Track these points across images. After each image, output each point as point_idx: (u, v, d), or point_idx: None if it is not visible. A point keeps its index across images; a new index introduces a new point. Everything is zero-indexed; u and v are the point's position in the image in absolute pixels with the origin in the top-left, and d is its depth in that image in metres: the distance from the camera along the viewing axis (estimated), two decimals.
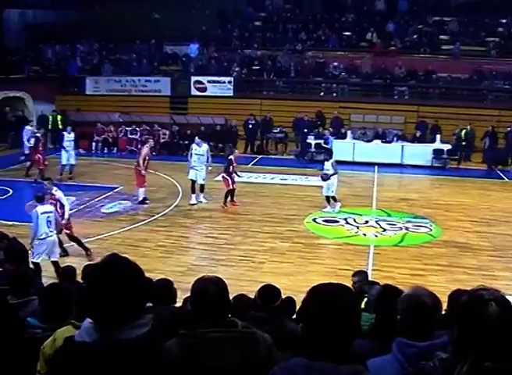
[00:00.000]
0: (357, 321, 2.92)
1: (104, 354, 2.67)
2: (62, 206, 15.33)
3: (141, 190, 20.66)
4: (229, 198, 20.35)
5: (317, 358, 2.79)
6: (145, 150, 20.95)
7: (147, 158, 20.75)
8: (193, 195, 20.74)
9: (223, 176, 20.49)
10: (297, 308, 7.16)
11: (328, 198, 19.80)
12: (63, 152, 24.61)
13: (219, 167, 21.55)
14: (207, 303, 3.44)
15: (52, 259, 13.56)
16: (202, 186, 20.87)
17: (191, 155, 20.98)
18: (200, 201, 20.85)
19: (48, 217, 13.67)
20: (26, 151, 26.02)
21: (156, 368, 2.78)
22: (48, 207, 14.03)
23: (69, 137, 24.97)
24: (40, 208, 13.74)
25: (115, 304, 2.69)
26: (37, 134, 24.84)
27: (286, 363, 2.92)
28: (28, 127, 27.39)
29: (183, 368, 3.16)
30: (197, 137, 22.01)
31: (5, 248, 8.48)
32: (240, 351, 3.32)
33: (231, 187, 20.27)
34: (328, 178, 19.54)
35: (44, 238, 13.43)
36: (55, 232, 13.80)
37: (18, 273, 7.13)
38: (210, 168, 21.22)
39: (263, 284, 6.64)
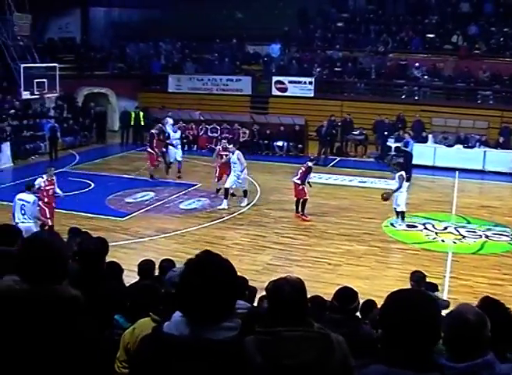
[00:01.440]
0: (437, 328, 2.86)
1: (190, 350, 2.69)
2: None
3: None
4: (299, 206, 19.47)
5: (396, 365, 2.76)
6: (217, 147, 22.86)
7: (219, 154, 21.88)
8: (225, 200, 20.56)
9: (297, 184, 19.41)
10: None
11: (396, 211, 18.91)
12: (171, 150, 24.86)
13: (296, 167, 21.47)
14: (281, 303, 3.47)
15: None
16: (226, 190, 20.57)
17: None
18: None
19: (23, 205, 14.29)
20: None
21: (239, 373, 2.77)
22: (28, 197, 14.55)
23: (174, 135, 25.19)
24: (19, 195, 14.50)
25: (208, 301, 2.69)
26: (152, 131, 24.93)
27: (365, 370, 2.92)
28: (169, 120, 27.88)
29: (257, 365, 3.15)
30: (232, 145, 21.98)
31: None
32: (315, 352, 3.32)
33: (307, 197, 19.32)
34: (389, 197, 18.67)
35: (17, 223, 13.72)
36: (30, 220, 14.21)
37: (108, 263, 7.40)
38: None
39: (340, 286, 6.68)
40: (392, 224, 18.85)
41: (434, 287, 9.50)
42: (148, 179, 23.93)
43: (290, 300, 3.47)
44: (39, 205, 15.34)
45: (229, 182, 20.52)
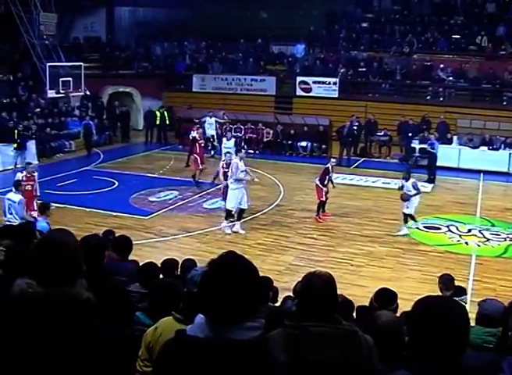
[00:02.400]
0: (466, 338, 2.79)
1: (215, 351, 2.67)
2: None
3: None
4: (321, 209, 19.43)
5: (422, 372, 2.71)
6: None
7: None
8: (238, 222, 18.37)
9: (317, 185, 19.47)
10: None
11: (405, 216, 18.34)
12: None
13: (319, 167, 21.39)
14: (312, 297, 3.47)
15: None
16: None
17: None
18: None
19: (10, 205, 14.48)
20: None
21: (264, 372, 2.74)
22: (15, 196, 14.68)
23: (227, 143, 24.30)
24: (8, 194, 14.82)
25: (230, 303, 2.67)
26: (194, 134, 24.18)
27: None
28: (209, 119, 27.64)
29: (282, 362, 3.13)
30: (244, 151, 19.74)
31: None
32: (341, 348, 3.32)
33: (323, 199, 19.28)
34: (408, 199, 17.98)
35: (7, 222, 13.87)
36: (18, 220, 14.13)
37: (145, 264, 7.48)
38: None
39: (380, 287, 6.66)
40: (417, 227, 18.69)
41: (462, 291, 9.44)
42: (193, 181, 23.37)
43: (321, 294, 3.47)
44: None
45: (230, 203, 18.09)
